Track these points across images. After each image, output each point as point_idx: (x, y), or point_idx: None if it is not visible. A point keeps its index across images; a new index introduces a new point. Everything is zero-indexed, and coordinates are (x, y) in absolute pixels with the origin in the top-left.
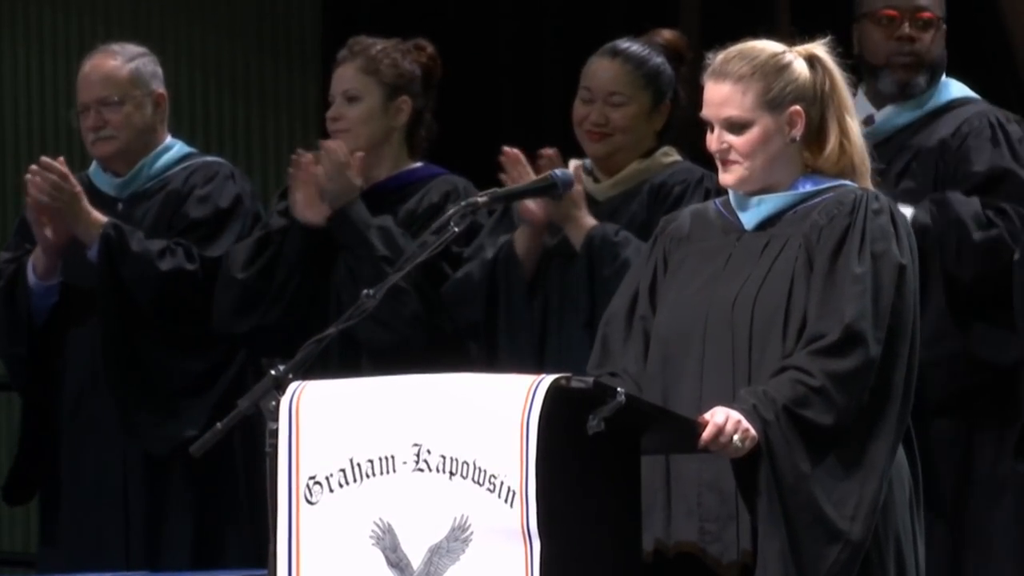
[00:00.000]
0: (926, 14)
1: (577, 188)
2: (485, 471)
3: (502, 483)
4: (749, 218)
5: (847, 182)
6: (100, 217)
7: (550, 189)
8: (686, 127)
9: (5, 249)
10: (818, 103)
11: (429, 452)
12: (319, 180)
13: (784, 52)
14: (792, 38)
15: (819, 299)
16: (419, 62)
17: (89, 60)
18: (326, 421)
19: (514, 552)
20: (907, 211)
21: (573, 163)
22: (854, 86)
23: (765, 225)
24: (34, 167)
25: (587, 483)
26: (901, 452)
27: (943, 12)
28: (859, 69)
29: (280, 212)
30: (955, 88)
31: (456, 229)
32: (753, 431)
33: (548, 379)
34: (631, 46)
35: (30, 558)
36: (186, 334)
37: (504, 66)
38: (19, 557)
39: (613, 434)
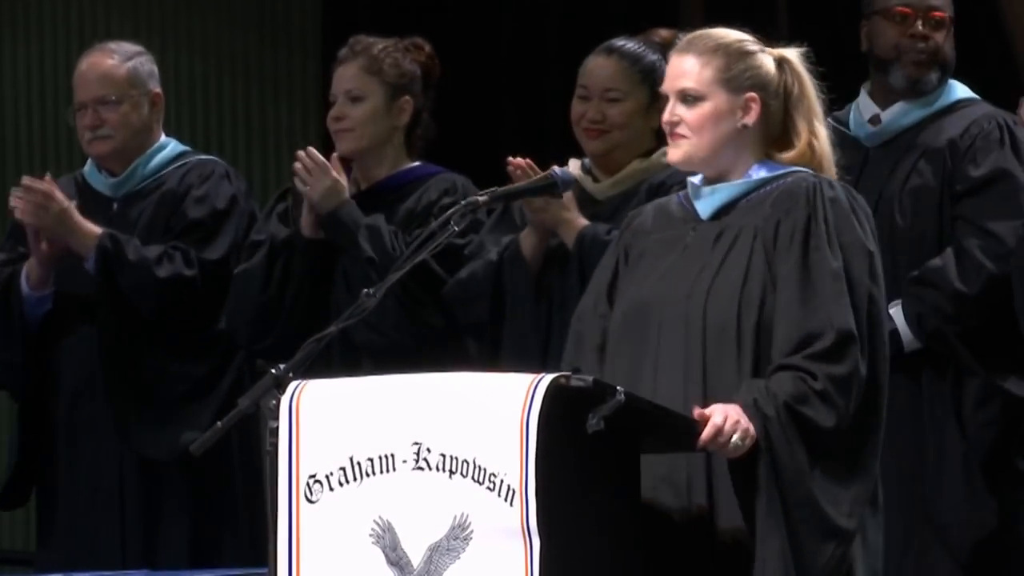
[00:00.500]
0: (939, 13)
1: (567, 192)
2: (485, 470)
3: (502, 481)
4: (704, 207)
5: (801, 168)
6: (94, 228)
7: (550, 188)
8: None
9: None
10: (780, 99)
11: (429, 451)
12: (301, 187)
13: (751, 42)
14: (790, 41)
15: (798, 296)
16: (418, 61)
17: (86, 58)
18: (326, 420)
19: (514, 550)
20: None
21: (573, 162)
22: (824, 93)
23: (720, 214)
24: (16, 190)
25: (587, 481)
26: None
27: (952, 12)
28: (867, 66)
29: (280, 214)
30: (960, 89)
31: (456, 227)
32: (752, 429)
33: (548, 378)
34: (627, 44)
35: (30, 557)
36: (186, 339)
37: (504, 65)
38: (19, 556)
39: (612, 433)
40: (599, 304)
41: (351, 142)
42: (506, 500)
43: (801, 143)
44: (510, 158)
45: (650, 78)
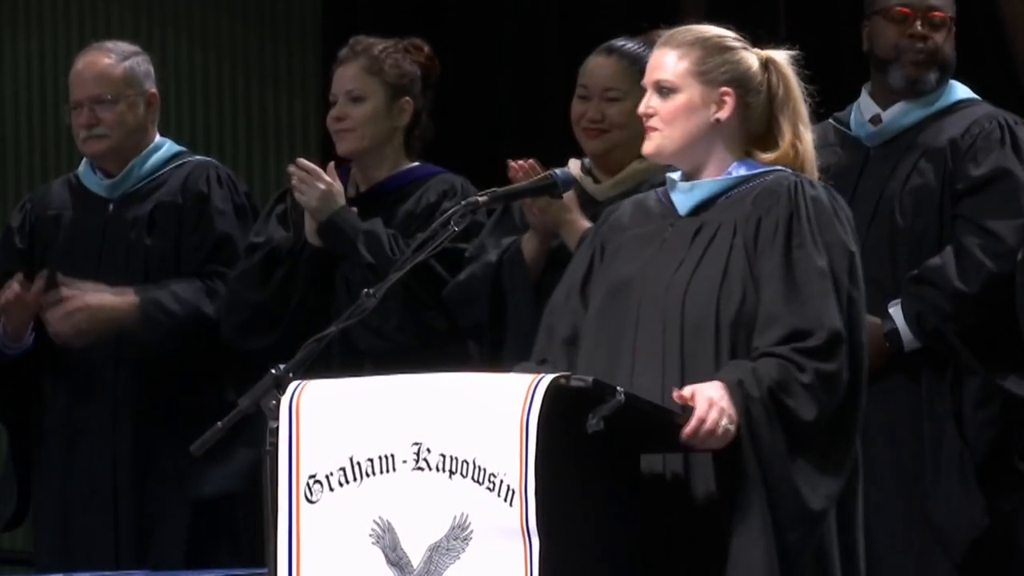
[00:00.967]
0: (938, 14)
1: (569, 193)
2: (485, 470)
3: (501, 482)
4: (683, 203)
5: (781, 168)
6: (121, 304)
7: (550, 188)
8: None
9: None
10: (763, 99)
11: (429, 451)
12: (303, 202)
13: (733, 38)
14: (789, 41)
15: (783, 293)
16: (418, 62)
17: (83, 57)
18: (326, 420)
19: (513, 550)
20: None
21: (573, 162)
22: (813, 97)
23: (698, 210)
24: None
25: (586, 482)
26: None
27: (954, 12)
28: (866, 66)
29: (279, 215)
30: (961, 90)
31: (456, 228)
32: (736, 414)
33: (547, 378)
34: (627, 44)
35: (30, 556)
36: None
37: (504, 65)
38: (19, 556)
39: (612, 433)
40: (571, 298)
41: (352, 142)
42: (506, 500)
43: (785, 144)
44: (511, 161)
45: None
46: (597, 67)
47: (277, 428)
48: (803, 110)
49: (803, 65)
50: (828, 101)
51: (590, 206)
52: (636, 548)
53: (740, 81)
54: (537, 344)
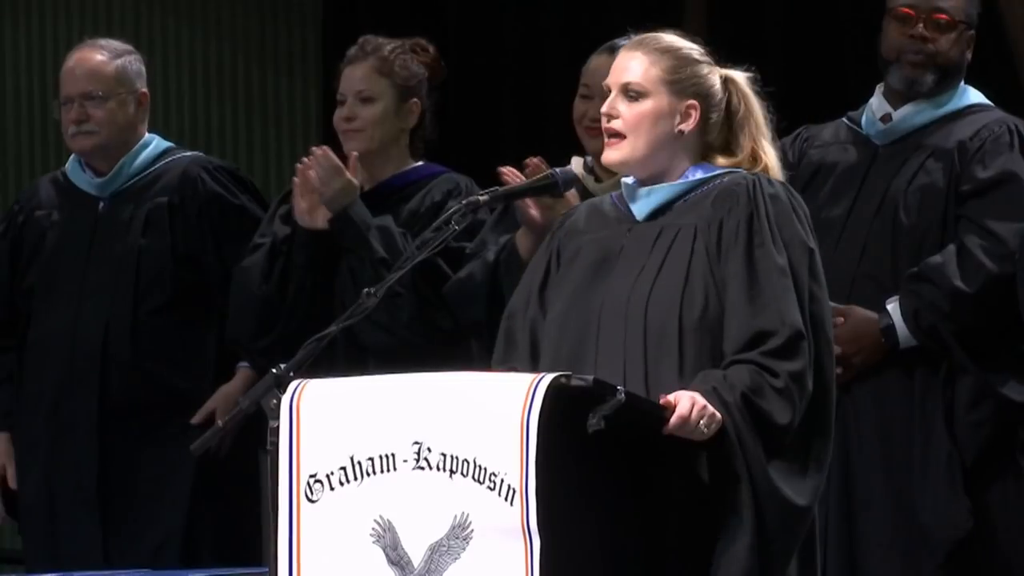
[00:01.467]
0: (943, 16)
1: (571, 192)
2: (485, 469)
3: (502, 481)
4: (640, 208)
5: (736, 169)
6: None
7: (551, 187)
8: None
9: None
10: (722, 114)
11: (429, 450)
12: (315, 186)
13: (700, 52)
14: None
15: (746, 294)
16: (424, 63)
17: (75, 53)
18: (327, 419)
19: (514, 550)
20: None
21: (575, 161)
22: (771, 112)
23: (656, 215)
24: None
25: (587, 481)
26: None
27: (968, 17)
28: (866, 67)
29: (282, 216)
30: (974, 95)
31: (457, 227)
32: (718, 415)
33: (548, 377)
34: None
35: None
36: None
37: (507, 67)
38: (19, 556)
39: (613, 432)
40: (531, 305)
41: (361, 143)
42: (506, 500)
43: (744, 153)
44: (501, 168)
45: None
46: (600, 66)
47: (278, 427)
48: (765, 127)
49: (762, 84)
50: (827, 100)
51: None
52: (636, 547)
53: (705, 96)
54: (497, 350)
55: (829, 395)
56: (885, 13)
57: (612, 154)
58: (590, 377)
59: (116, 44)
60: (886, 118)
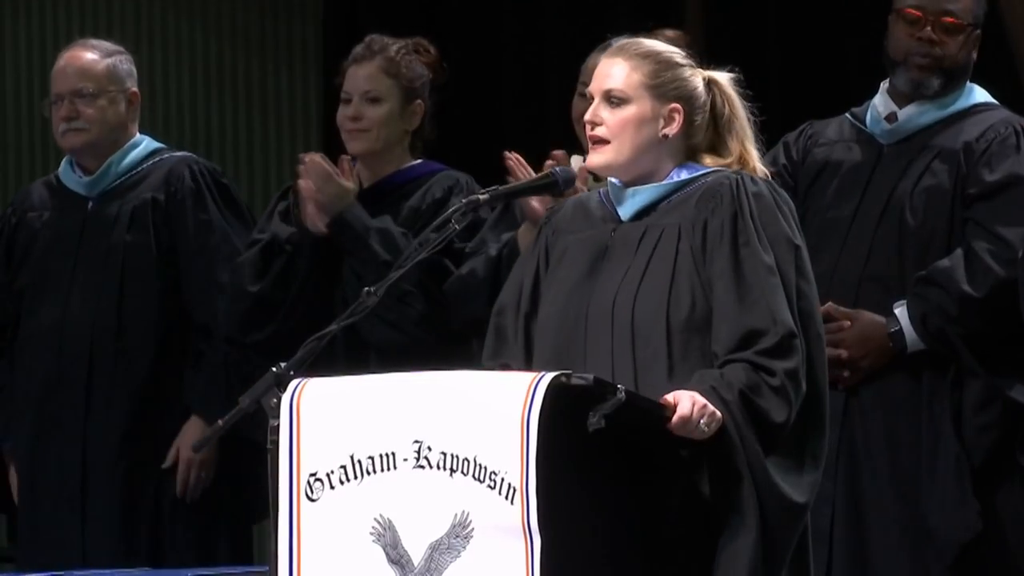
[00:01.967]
0: (951, 19)
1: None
2: (486, 468)
3: (503, 480)
4: (625, 208)
5: (721, 168)
6: None
7: (551, 186)
8: None
9: None
10: (706, 116)
11: (430, 449)
12: (309, 194)
13: (682, 56)
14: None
15: (734, 293)
16: (426, 63)
17: (66, 52)
18: (327, 418)
19: (514, 548)
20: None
21: (576, 161)
22: (754, 115)
23: (641, 215)
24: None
25: (587, 480)
26: None
27: (975, 18)
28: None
29: (281, 213)
30: (979, 94)
31: (458, 226)
32: (719, 414)
33: (548, 376)
34: None
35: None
36: None
37: (507, 66)
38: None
39: (613, 431)
40: (523, 302)
41: (366, 143)
42: (507, 498)
43: (733, 155)
44: (506, 152)
45: None
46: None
47: (278, 426)
48: (749, 129)
49: (746, 86)
50: (826, 98)
51: None
52: (636, 546)
53: (688, 99)
54: (487, 346)
55: (822, 391)
56: (892, 11)
57: (596, 158)
58: (591, 376)
59: (107, 44)
60: (891, 117)
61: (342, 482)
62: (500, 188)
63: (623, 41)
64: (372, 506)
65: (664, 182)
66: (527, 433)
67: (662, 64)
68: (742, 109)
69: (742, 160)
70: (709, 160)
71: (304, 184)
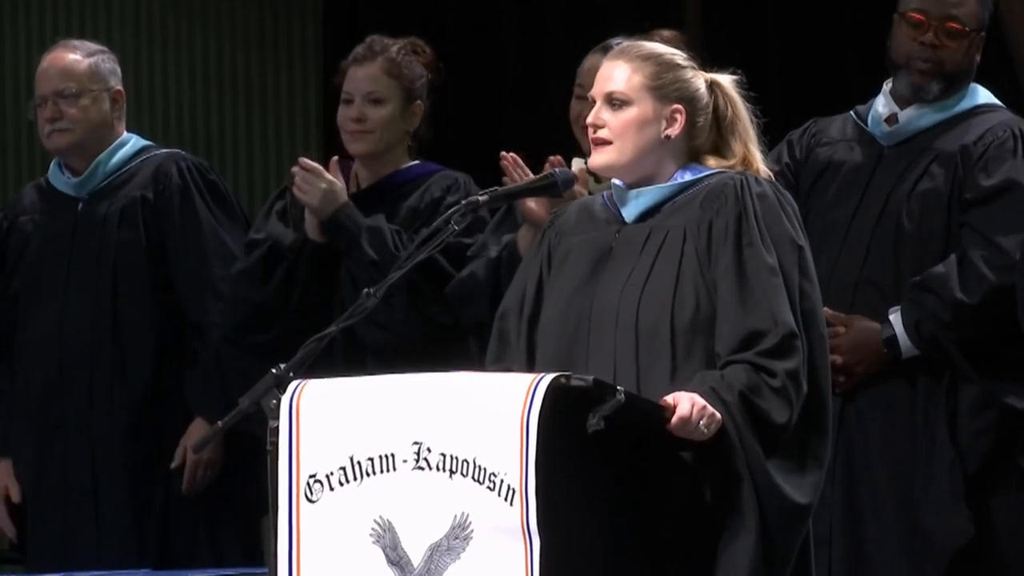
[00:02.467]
0: (954, 24)
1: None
2: (485, 469)
3: (502, 481)
4: (629, 210)
5: (724, 169)
6: None
7: (550, 188)
8: None
9: None
10: (709, 117)
11: (429, 450)
12: (301, 197)
13: (683, 58)
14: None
15: (737, 294)
16: (424, 64)
17: (48, 54)
18: (326, 419)
19: (514, 550)
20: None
21: (577, 162)
22: (757, 116)
23: (645, 216)
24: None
25: (587, 481)
26: None
27: (980, 23)
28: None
29: (279, 213)
30: (982, 95)
31: (456, 227)
32: (718, 415)
33: (548, 377)
34: (624, 43)
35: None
36: None
37: (506, 66)
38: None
39: (612, 432)
40: (525, 305)
41: (369, 144)
42: (506, 500)
43: (737, 158)
44: (503, 152)
45: None
46: (594, 67)
47: (277, 427)
48: (752, 131)
49: (748, 88)
50: (826, 97)
51: None
52: (636, 547)
53: (690, 100)
54: (491, 350)
55: (824, 392)
56: (896, 13)
57: (598, 158)
58: (590, 377)
59: (88, 43)
60: (891, 119)
61: (342, 483)
62: (499, 189)
63: (623, 44)
64: (372, 507)
65: (668, 183)
66: (527, 434)
67: (663, 66)
68: (745, 111)
69: (746, 161)
70: (712, 161)
71: (299, 192)
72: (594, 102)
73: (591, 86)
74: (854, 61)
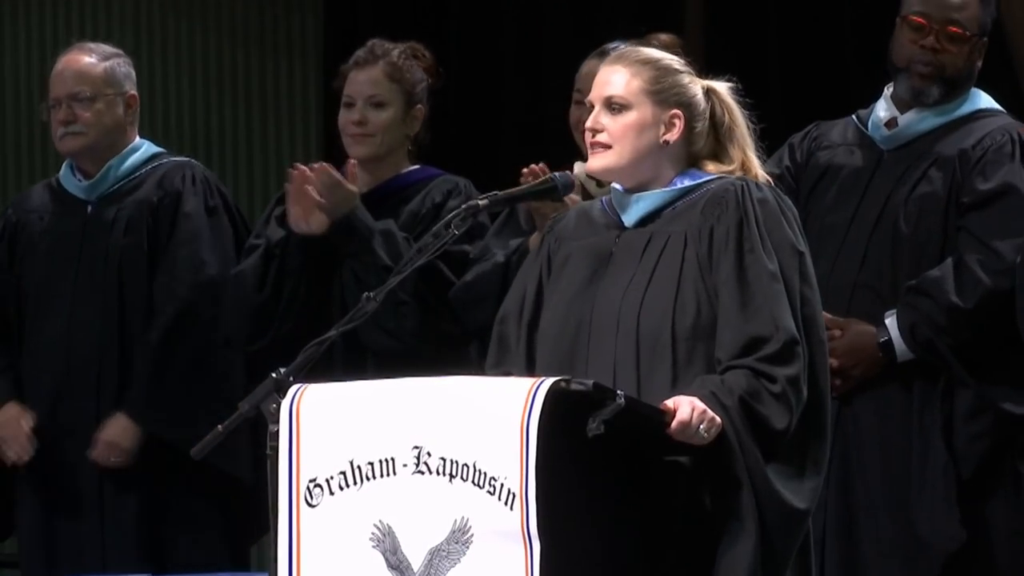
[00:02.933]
0: (955, 29)
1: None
2: (485, 473)
3: (502, 485)
4: (629, 215)
5: (725, 175)
6: None
7: (550, 192)
8: None
9: None
10: (707, 124)
11: (429, 454)
12: (312, 196)
13: (681, 63)
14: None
15: (738, 300)
16: (424, 68)
17: (63, 56)
18: (326, 423)
19: (514, 554)
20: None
21: (579, 165)
22: (753, 123)
23: (645, 221)
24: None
25: (587, 485)
26: None
27: (982, 27)
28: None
29: (277, 218)
30: (983, 99)
31: (456, 232)
32: (718, 420)
33: (548, 382)
34: (622, 47)
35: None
36: None
37: (505, 71)
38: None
39: (613, 436)
40: (525, 310)
41: (370, 148)
42: (506, 504)
43: (735, 164)
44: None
45: None
46: (592, 71)
47: (277, 432)
48: (749, 137)
49: (742, 94)
50: (827, 101)
51: None
52: (636, 551)
53: (688, 105)
54: (491, 355)
55: (824, 397)
56: (898, 17)
57: (597, 162)
58: (590, 381)
59: (104, 47)
60: (891, 123)
61: (342, 488)
62: (499, 194)
63: (622, 49)
64: (372, 512)
65: (668, 188)
66: (527, 439)
67: (662, 71)
68: (742, 117)
69: (744, 167)
70: (712, 167)
71: (295, 187)
72: (592, 106)
73: (590, 91)
74: (855, 65)
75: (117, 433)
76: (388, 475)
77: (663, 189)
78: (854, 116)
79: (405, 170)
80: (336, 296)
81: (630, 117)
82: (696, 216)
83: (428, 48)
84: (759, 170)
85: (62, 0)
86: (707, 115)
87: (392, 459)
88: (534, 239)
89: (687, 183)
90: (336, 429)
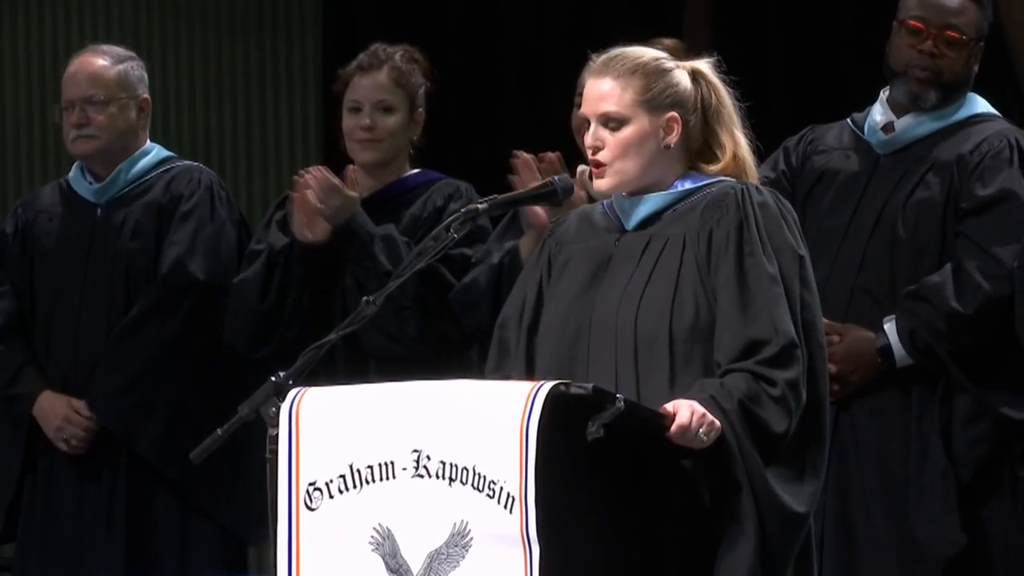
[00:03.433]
0: (953, 33)
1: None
2: (485, 477)
3: (501, 489)
4: (630, 219)
5: (725, 178)
6: None
7: (550, 195)
8: None
9: None
10: (699, 114)
11: (429, 458)
12: (312, 203)
13: (667, 59)
14: (783, 45)
15: (738, 303)
16: (421, 72)
17: (77, 58)
18: (326, 427)
19: (513, 558)
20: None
21: (581, 168)
22: (739, 100)
23: (645, 224)
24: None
25: (586, 489)
26: None
27: (979, 32)
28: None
29: (279, 223)
30: (979, 104)
31: (456, 235)
32: (718, 423)
33: (547, 385)
34: None
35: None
36: None
37: (507, 72)
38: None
39: (612, 440)
40: (525, 314)
41: (378, 152)
42: (506, 507)
43: (727, 155)
44: (516, 151)
45: None
46: None
47: (277, 435)
48: (735, 115)
49: (728, 72)
50: (828, 100)
51: None
52: (635, 555)
53: (682, 103)
54: (491, 359)
55: (823, 401)
56: (896, 20)
57: (603, 183)
58: (589, 385)
59: (118, 50)
60: (888, 127)
61: (341, 491)
62: (499, 197)
63: (605, 57)
64: (371, 515)
65: (669, 191)
66: (526, 442)
67: (651, 75)
68: (727, 95)
69: (735, 156)
70: (710, 168)
71: (300, 195)
72: (588, 122)
73: None
74: (855, 69)
75: (71, 414)
76: (388, 478)
77: (664, 192)
78: (849, 120)
79: (407, 174)
80: (338, 301)
81: (628, 131)
82: (695, 219)
83: (428, 51)
84: (747, 152)
85: (61, 6)
86: (697, 103)
87: (392, 462)
88: (524, 241)
89: (688, 186)
90: (335, 432)
